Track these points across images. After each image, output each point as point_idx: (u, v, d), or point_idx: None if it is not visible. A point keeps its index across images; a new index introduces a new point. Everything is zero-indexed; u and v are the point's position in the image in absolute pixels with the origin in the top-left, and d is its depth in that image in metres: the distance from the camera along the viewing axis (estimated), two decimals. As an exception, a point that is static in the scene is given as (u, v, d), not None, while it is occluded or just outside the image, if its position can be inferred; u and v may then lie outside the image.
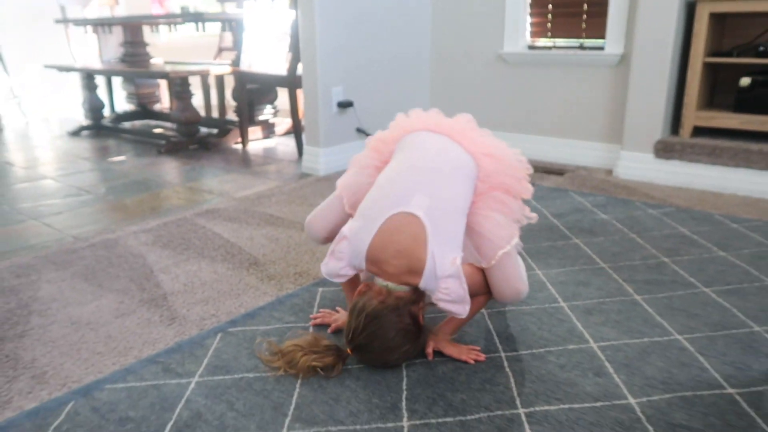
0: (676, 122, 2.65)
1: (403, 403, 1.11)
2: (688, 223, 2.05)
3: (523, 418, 1.07)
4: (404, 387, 1.16)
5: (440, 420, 1.06)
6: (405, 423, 1.06)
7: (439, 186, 1.21)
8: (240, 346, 1.32)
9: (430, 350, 1.26)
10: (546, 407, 1.09)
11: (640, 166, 2.64)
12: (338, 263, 1.19)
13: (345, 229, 1.19)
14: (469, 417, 1.07)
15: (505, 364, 1.24)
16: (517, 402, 1.11)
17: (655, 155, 2.60)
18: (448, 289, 1.12)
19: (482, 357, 1.25)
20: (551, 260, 1.77)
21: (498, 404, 1.10)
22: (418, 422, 1.06)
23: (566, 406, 1.10)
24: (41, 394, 1.17)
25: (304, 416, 1.08)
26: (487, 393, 1.14)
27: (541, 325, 1.39)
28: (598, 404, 1.10)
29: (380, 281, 1.17)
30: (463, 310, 1.14)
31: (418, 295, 1.17)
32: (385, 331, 1.14)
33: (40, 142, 4.03)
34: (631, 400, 1.11)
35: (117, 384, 1.19)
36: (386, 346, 1.16)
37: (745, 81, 2.45)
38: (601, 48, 2.82)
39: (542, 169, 2.85)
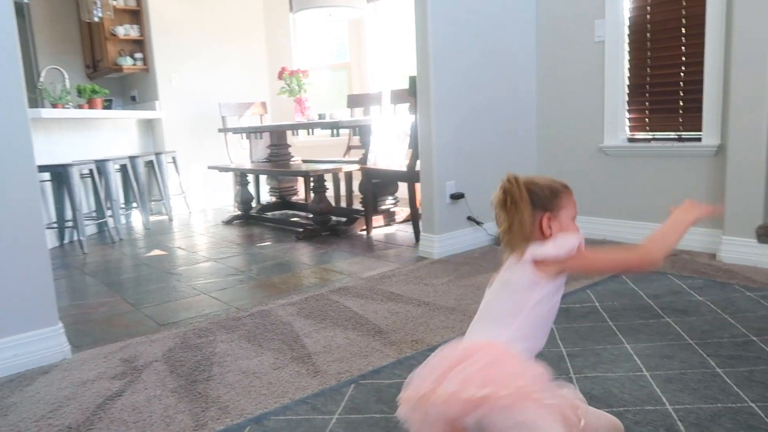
0: (779, 207, 2.74)
1: None
2: (786, 306, 2.14)
3: (598, 459, 1.29)
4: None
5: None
6: None
7: None
8: (369, 394, 1.66)
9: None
10: (618, 452, 1.31)
11: (742, 250, 2.73)
12: None
13: None
14: (551, 456, 1.32)
15: (587, 418, 1.47)
16: (594, 447, 1.34)
17: (758, 240, 2.69)
18: None
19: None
20: (641, 336, 1.96)
21: (577, 448, 1.34)
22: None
23: (636, 452, 1.31)
24: (226, 421, 1.58)
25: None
26: (568, 439, 1.38)
27: (623, 389, 1.60)
28: (665, 453, 1.30)
29: None
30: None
31: None
32: None
33: (200, 230, 4.80)
34: (696, 452, 1.30)
35: (279, 416, 1.57)
36: None
37: None
38: (698, 140, 3.00)
39: (645, 253, 3.00)
